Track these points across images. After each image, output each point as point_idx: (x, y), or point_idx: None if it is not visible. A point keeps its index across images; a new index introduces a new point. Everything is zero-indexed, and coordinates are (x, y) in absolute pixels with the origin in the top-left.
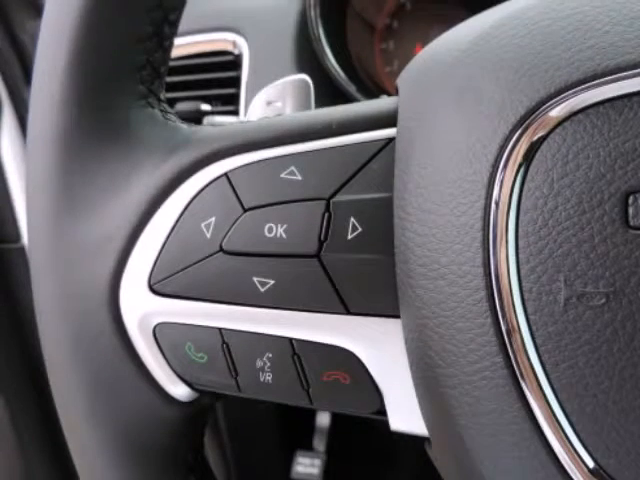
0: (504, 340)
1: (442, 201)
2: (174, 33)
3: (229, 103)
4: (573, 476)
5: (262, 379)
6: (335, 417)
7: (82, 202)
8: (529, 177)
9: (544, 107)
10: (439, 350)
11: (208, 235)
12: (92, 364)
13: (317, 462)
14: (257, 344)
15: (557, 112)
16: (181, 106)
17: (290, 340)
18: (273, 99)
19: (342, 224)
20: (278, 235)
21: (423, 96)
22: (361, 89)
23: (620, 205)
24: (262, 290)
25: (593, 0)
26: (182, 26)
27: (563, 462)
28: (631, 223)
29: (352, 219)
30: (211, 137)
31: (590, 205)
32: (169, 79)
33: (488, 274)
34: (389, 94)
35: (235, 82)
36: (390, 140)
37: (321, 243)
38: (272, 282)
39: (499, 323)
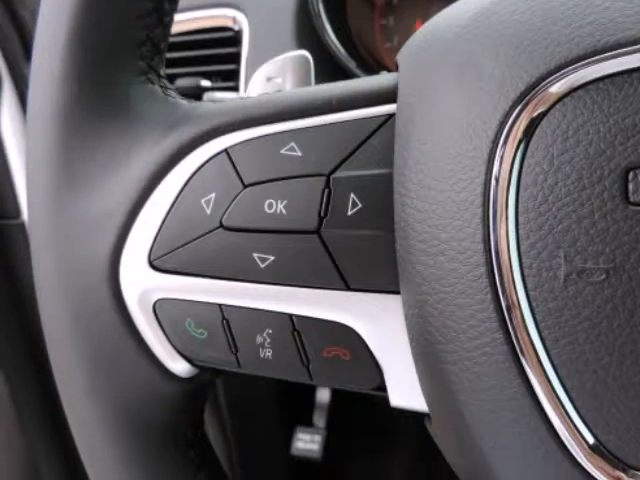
0: (504, 316)
1: (442, 177)
2: (174, 9)
3: (229, 79)
4: (573, 452)
5: (262, 355)
6: (335, 393)
7: (82, 178)
8: (529, 153)
9: (544, 83)
10: (439, 326)
11: (208, 211)
12: (92, 340)
13: (317, 438)
14: (257, 320)
15: (557, 88)
16: (181, 82)
17: (290, 316)
18: (273, 75)
19: (342, 200)
20: (278, 211)
21: (423, 72)
22: (361, 65)
23: (620, 181)
24: (262, 266)
25: None
26: (182, 2)
27: (563, 438)
28: (631, 199)
29: (352, 195)
30: (211, 113)
31: (590, 181)
32: (169, 55)
33: (488, 250)
34: (389, 70)
35: (235, 58)
36: (390, 116)
37: (321, 219)
38: (272, 258)
39: (499, 299)
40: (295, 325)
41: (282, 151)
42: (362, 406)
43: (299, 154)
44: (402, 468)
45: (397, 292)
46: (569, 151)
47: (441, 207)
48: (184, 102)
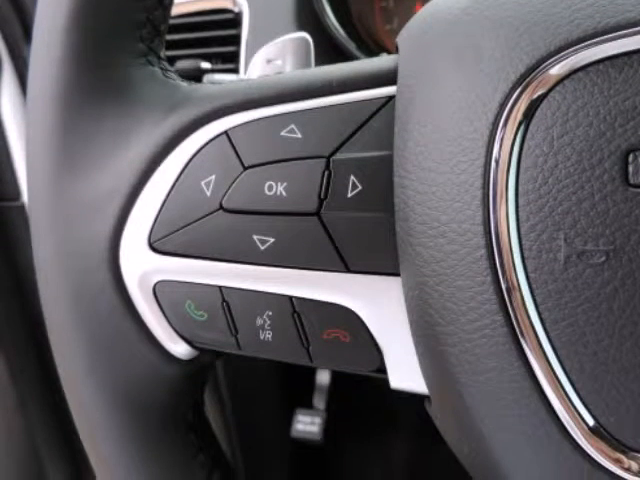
0: (504, 298)
1: (442, 159)
2: None
3: (229, 61)
4: (573, 434)
5: (262, 337)
6: (335, 375)
7: (82, 160)
8: (529, 135)
9: (544, 65)
10: (439, 308)
11: (208, 193)
12: (92, 322)
13: (317, 420)
14: (257, 302)
15: (557, 70)
16: (181, 64)
17: (290, 298)
18: (273, 57)
19: (342, 182)
20: (278, 193)
21: (423, 54)
22: (361, 47)
23: (620, 163)
24: (262, 248)
25: None
26: None
27: (563, 420)
28: (631, 181)
29: (352, 177)
30: (211, 95)
31: (590, 163)
32: (169, 37)
33: (488, 232)
34: (389, 52)
35: (235, 40)
36: (390, 98)
37: (321, 201)
38: (272, 240)
39: (499, 281)
40: (295, 307)
41: (282, 133)
42: (362, 388)
43: (299, 136)
44: (402, 450)
45: (397, 274)
46: (569, 133)
47: (441, 189)
48: (184, 84)
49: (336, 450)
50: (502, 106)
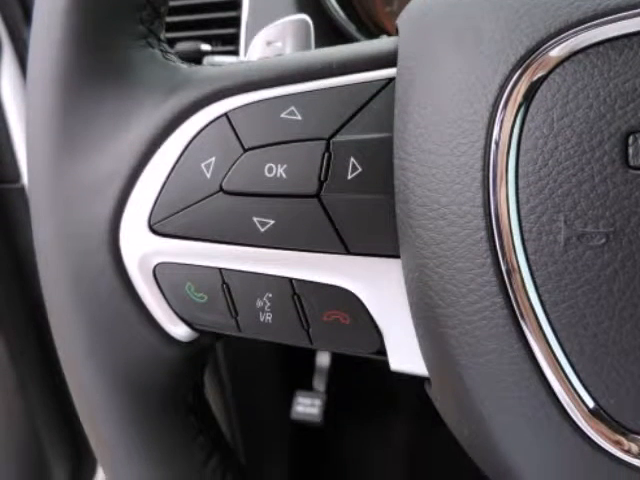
0: (504, 280)
1: (442, 141)
2: None
3: (229, 43)
4: (573, 416)
5: (262, 319)
6: (335, 357)
7: (82, 142)
8: (529, 117)
9: (544, 47)
10: (439, 290)
11: (208, 175)
12: (92, 304)
13: (317, 402)
14: (257, 284)
15: (557, 52)
16: (181, 46)
17: (290, 280)
18: (273, 39)
19: (342, 164)
20: (278, 175)
21: (423, 36)
22: (361, 29)
23: (620, 145)
24: (262, 230)
25: None
26: None
27: (563, 402)
28: (631, 163)
29: (352, 159)
30: (211, 77)
31: (590, 145)
32: (169, 19)
33: (488, 214)
34: (389, 34)
35: (235, 22)
36: (390, 80)
37: (321, 183)
38: (272, 222)
39: (499, 263)
40: (295, 289)
41: (282, 115)
42: (362, 370)
43: (299, 118)
44: (402, 432)
45: (397, 256)
46: (569, 115)
47: (441, 171)
48: (184, 66)
49: (336, 432)
50: (502, 88)
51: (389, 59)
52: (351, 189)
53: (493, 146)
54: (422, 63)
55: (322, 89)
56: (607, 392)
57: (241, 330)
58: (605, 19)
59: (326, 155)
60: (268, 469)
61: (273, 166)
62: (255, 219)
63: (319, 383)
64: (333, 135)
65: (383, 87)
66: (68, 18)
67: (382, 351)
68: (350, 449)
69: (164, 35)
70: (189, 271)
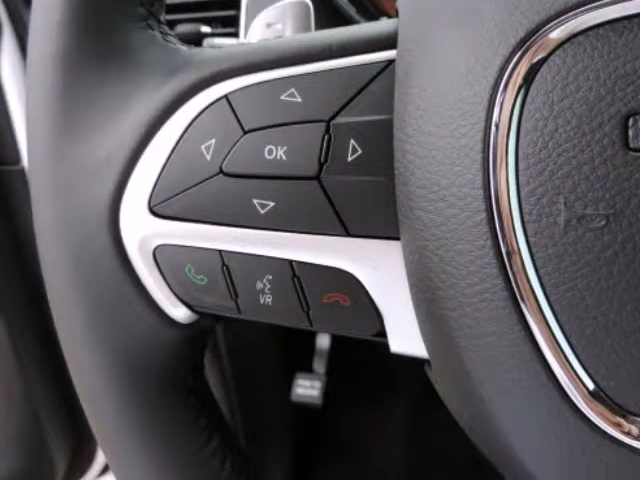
0: (504, 262)
1: (442, 123)
2: None
3: (229, 25)
4: (573, 398)
5: (262, 301)
6: (335, 339)
7: (82, 124)
8: (529, 99)
9: (544, 29)
10: (439, 272)
11: (208, 157)
12: (92, 286)
13: (317, 384)
14: (257, 266)
15: (557, 34)
16: (181, 28)
17: (290, 262)
18: (273, 21)
19: (342, 146)
20: (278, 157)
21: (423, 18)
22: (361, 11)
23: (620, 127)
24: (262, 212)
25: None
26: None
27: (563, 384)
28: (631, 145)
29: (352, 141)
30: (211, 59)
31: (590, 127)
32: (169, 1)
33: (488, 196)
34: (389, 16)
35: (235, 4)
36: (390, 62)
37: (321, 165)
38: (272, 204)
39: (499, 245)
40: (295, 271)
41: (282, 97)
42: (362, 352)
43: (299, 100)
44: (402, 414)
45: (397, 238)
46: (569, 97)
47: (441, 153)
48: (184, 48)
49: (336, 414)
50: (502, 70)
51: (389, 41)
52: (351, 171)
53: (493, 128)
54: (422, 45)
55: (322, 71)
56: (607, 374)
57: (241, 312)
58: (605, 1)
59: (326, 137)
60: (268, 451)
61: (273, 148)
62: (255, 201)
63: (319, 365)
64: (333, 117)
65: (383, 69)
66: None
67: (382, 333)
68: (350, 431)
69: (164, 17)
70: (189, 253)
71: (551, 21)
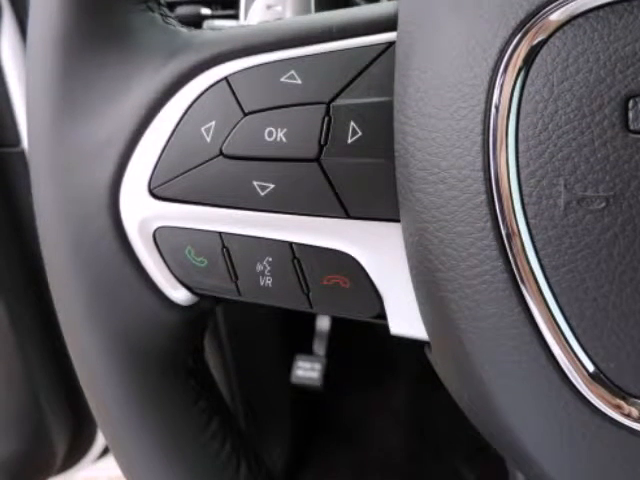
0: (504, 244)
1: (442, 105)
2: None
3: (229, 7)
4: (573, 380)
5: (262, 283)
6: (335, 321)
7: (82, 106)
8: (529, 81)
9: (544, 11)
10: (439, 254)
11: (208, 139)
12: (92, 268)
13: (317, 366)
14: (257, 248)
15: (557, 16)
16: (181, 10)
17: (290, 244)
18: (273, 3)
19: (342, 128)
20: (278, 139)
21: (423, 0)
22: None
23: (620, 109)
24: (262, 194)
25: None
26: None
27: (563, 366)
28: (631, 127)
29: (352, 123)
30: (211, 41)
31: (590, 109)
32: None
33: (488, 178)
34: None
35: None
36: (390, 44)
37: (321, 147)
38: (272, 186)
39: (499, 227)
40: (295, 253)
41: (282, 79)
42: (362, 334)
43: (299, 82)
44: (402, 396)
45: (397, 220)
46: (569, 79)
47: (441, 135)
48: (184, 30)
49: (336, 396)
50: (502, 52)
51: (389, 23)
52: (351, 153)
53: (493, 110)
54: (422, 27)
55: (322, 53)
56: (607, 356)
57: (241, 294)
58: None
59: (326, 119)
60: (268, 433)
61: (273, 130)
62: (255, 183)
63: (319, 347)
64: (333, 99)
65: (383, 51)
66: None
67: (382, 315)
68: (350, 413)
69: None
70: (189, 235)
71: (551, 3)
